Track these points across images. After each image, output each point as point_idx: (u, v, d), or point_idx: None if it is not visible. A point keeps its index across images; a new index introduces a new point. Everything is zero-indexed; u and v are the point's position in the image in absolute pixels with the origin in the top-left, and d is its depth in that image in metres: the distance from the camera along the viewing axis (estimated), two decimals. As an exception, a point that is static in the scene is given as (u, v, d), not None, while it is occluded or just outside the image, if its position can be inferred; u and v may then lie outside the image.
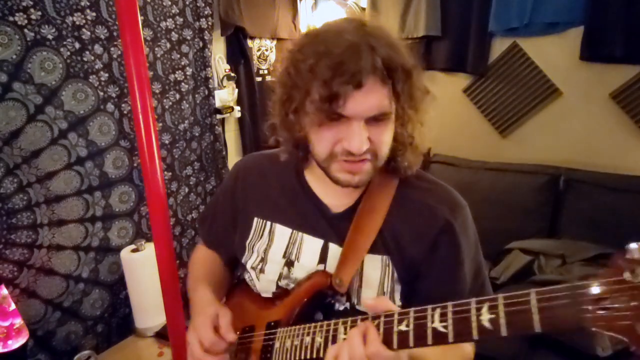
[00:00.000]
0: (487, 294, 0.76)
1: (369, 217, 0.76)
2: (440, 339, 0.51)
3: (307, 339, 0.69)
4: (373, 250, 0.75)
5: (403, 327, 0.54)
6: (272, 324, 0.79)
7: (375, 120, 0.66)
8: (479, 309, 0.48)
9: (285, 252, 0.81)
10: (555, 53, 2.16)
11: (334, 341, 0.64)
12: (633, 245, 0.39)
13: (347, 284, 0.73)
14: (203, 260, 0.99)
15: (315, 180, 0.82)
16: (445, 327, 0.50)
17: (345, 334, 0.63)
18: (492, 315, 0.47)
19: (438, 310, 0.52)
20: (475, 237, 0.78)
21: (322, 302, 0.77)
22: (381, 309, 0.58)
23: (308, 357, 0.67)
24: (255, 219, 0.86)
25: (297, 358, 0.69)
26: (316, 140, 0.70)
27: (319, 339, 0.67)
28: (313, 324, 0.69)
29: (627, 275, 0.38)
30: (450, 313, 0.51)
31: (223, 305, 0.82)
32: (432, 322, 0.52)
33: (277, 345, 0.75)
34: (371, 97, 0.64)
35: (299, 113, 0.70)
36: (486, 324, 0.47)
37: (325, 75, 0.62)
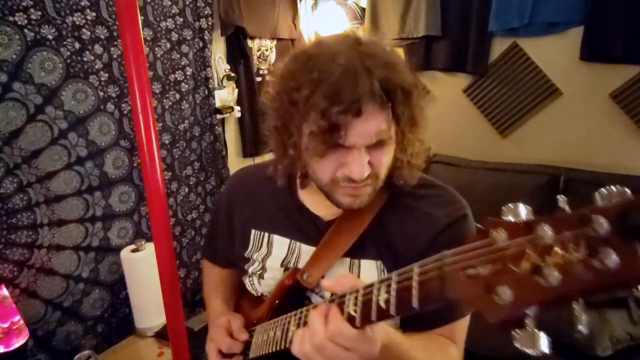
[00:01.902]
0: None
1: (351, 220, 0.75)
2: (357, 320, 0.49)
3: (278, 332, 0.69)
4: (366, 256, 0.75)
5: (351, 308, 0.51)
6: (255, 322, 0.81)
7: (376, 145, 0.65)
8: (378, 289, 0.47)
9: (283, 261, 0.81)
10: (555, 53, 2.16)
11: (287, 333, 0.64)
12: (507, 207, 0.36)
13: (317, 279, 0.73)
14: (210, 272, 1.02)
15: (308, 196, 0.81)
16: (355, 310, 0.49)
17: (294, 325, 0.63)
18: (387, 295, 0.46)
19: (353, 295, 0.51)
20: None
21: (302, 299, 0.78)
22: (345, 286, 0.54)
23: (282, 347, 0.66)
24: (253, 230, 0.86)
25: (269, 350, 0.70)
26: (317, 168, 0.68)
27: (278, 332, 0.68)
28: (286, 315, 0.69)
29: (490, 238, 0.36)
30: (361, 296, 0.50)
31: (232, 312, 0.86)
32: (348, 306, 0.51)
33: (253, 341, 0.78)
34: (371, 124, 0.62)
35: (297, 144, 0.67)
36: (382, 303, 0.46)
37: (322, 105, 0.59)
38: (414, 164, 0.73)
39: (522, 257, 0.33)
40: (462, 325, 0.75)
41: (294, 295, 0.77)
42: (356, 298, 0.50)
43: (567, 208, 0.32)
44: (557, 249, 0.31)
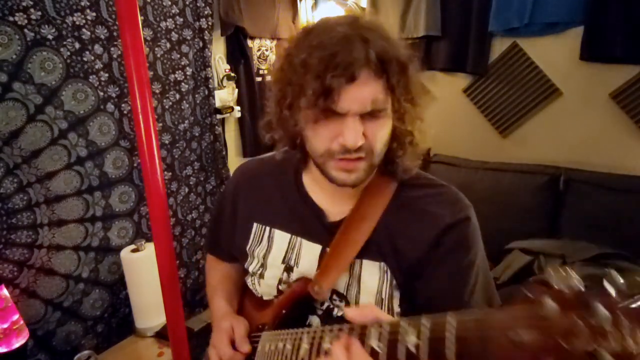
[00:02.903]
0: (488, 299, 0.74)
1: (358, 225, 0.74)
2: (382, 357, 0.48)
3: (280, 345, 0.69)
4: (369, 256, 0.74)
5: (374, 343, 0.50)
6: (260, 326, 0.80)
7: (371, 115, 0.65)
8: (405, 332, 0.46)
9: (284, 258, 0.81)
10: (555, 53, 2.16)
11: (298, 350, 0.64)
12: (549, 273, 0.35)
13: (328, 291, 0.73)
14: (215, 267, 1.01)
15: (313, 185, 0.81)
16: (380, 346, 0.48)
17: (307, 343, 0.62)
18: (417, 340, 0.44)
19: (375, 327, 0.50)
20: (477, 237, 0.75)
21: (310, 307, 0.77)
22: (368, 317, 0.54)
23: None
24: (255, 224, 0.85)
25: None
26: (312, 137, 0.69)
27: (288, 346, 0.67)
28: (295, 330, 0.69)
29: (538, 307, 0.34)
30: (387, 333, 0.48)
31: (236, 315, 0.84)
32: (370, 339, 0.49)
33: (259, 348, 0.77)
34: (365, 91, 0.62)
35: (293, 109, 0.68)
36: (412, 348, 0.44)
37: (318, 68, 0.61)
38: (417, 146, 0.73)
39: (574, 334, 0.31)
40: None
41: (301, 304, 0.77)
42: (380, 333, 0.49)
43: (619, 287, 0.31)
44: (613, 333, 0.30)
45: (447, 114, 2.52)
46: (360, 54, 0.61)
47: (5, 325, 1.25)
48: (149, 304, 1.66)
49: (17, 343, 1.27)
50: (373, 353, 0.49)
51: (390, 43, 0.64)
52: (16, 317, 1.29)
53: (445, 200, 0.75)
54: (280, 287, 0.81)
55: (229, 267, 0.99)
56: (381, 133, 0.67)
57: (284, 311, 0.77)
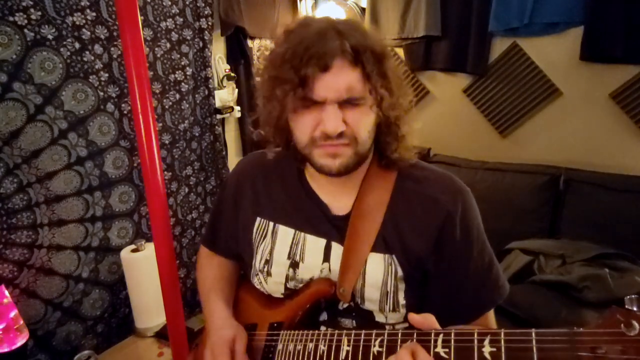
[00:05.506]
0: (494, 280, 0.78)
1: (366, 219, 0.75)
2: None
3: (310, 345, 0.70)
4: (375, 249, 0.75)
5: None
6: (275, 324, 0.80)
7: (350, 104, 0.67)
8: (481, 340, 0.50)
9: (289, 254, 0.81)
10: (555, 53, 2.16)
11: (337, 352, 0.65)
12: (630, 297, 0.40)
13: (351, 291, 0.74)
14: (210, 263, 0.99)
15: (314, 180, 0.82)
16: (447, 352, 0.52)
17: (348, 345, 0.64)
18: (493, 349, 0.48)
19: (441, 336, 0.53)
20: (478, 220, 0.79)
21: (319, 303, 0.78)
22: (427, 326, 0.57)
23: None
24: (258, 218, 0.86)
25: None
26: (296, 128, 0.72)
27: (322, 347, 0.68)
28: (317, 332, 0.70)
29: (622, 328, 0.40)
30: (453, 340, 0.52)
31: (237, 325, 0.83)
32: (435, 347, 0.53)
33: (279, 347, 0.76)
34: (340, 79, 0.65)
35: (276, 101, 0.70)
36: (487, 355, 0.49)
37: (293, 60, 0.65)
38: (405, 136, 0.75)
39: None
40: (492, 314, 0.78)
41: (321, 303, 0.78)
42: (448, 341, 0.52)
43: None
44: None
45: (447, 114, 2.52)
46: (334, 44, 0.64)
47: (5, 326, 1.25)
48: (149, 304, 1.66)
49: (17, 343, 1.27)
50: (439, 359, 0.53)
51: (364, 35, 0.67)
52: (14, 313, 1.29)
53: (446, 186, 0.78)
54: (288, 285, 0.81)
55: (224, 263, 0.97)
56: (363, 121, 0.69)
57: (308, 306, 0.77)
